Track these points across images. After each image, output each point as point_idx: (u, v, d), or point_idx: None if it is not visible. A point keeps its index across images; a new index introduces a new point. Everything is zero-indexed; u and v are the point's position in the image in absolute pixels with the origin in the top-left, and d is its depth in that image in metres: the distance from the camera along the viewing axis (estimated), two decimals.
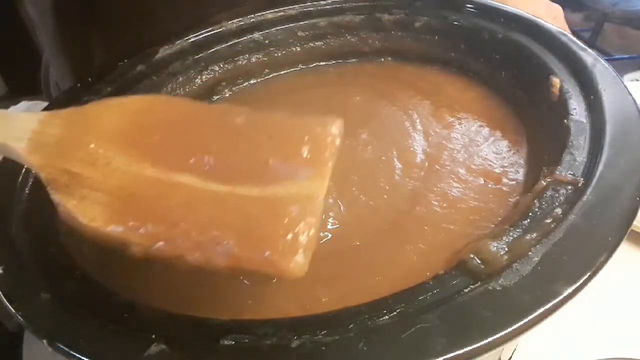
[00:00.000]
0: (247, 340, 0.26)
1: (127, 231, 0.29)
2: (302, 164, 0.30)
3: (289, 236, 0.27)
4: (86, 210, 0.30)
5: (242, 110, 0.33)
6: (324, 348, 0.25)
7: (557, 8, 0.63)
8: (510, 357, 0.45)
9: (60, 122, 0.33)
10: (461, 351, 0.24)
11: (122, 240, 0.29)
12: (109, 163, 0.31)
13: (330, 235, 0.37)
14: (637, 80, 0.84)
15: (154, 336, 0.26)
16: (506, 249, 0.28)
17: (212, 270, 0.28)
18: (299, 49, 0.59)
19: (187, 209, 0.29)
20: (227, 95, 0.57)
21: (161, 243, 0.28)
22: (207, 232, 0.28)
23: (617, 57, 1.83)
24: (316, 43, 0.59)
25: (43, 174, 0.31)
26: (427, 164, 0.43)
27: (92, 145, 0.32)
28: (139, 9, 0.63)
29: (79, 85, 0.51)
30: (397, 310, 0.26)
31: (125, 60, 0.53)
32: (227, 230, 0.28)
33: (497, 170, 0.41)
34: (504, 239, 0.29)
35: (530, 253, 0.28)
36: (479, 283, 0.27)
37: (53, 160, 0.31)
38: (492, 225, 0.36)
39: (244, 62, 0.58)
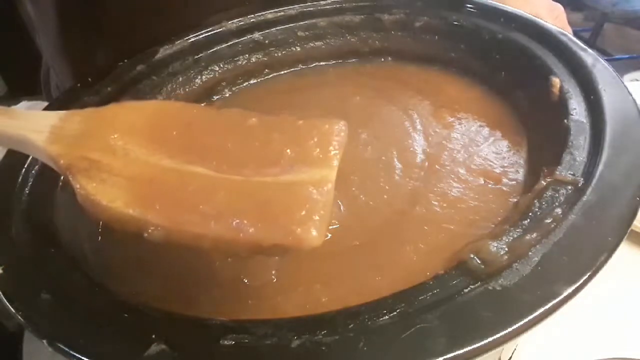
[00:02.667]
0: (247, 340, 0.26)
1: (147, 212, 0.29)
2: (311, 155, 0.31)
3: (303, 212, 0.28)
4: (106, 192, 0.30)
5: (253, 114, 0.34)
6: (324, 348, 0.25)
7: (559, 7, 0.63)
8: (510, 357, 0.45)
9: (80, 119, 0.34)
10: (461, 351, 0.24)
11: (141, 222, 0.29)
12: (127, 154, 0.32)
13: (330, 235, 0.37)
14: (637, 80, 0.84)
15: (154, 336, 0.26)
16: (506, 249, 0.28)
17: (230, 250, 0.28)
18: (299, 49, 0.59)
19: (204, 193, 0.30)
20: (227, 95, 0.57)
21: (180, 225, 0.29)
22: (225, 214, 0.28)
23: (617, 57, 1.83)
24: (316, 43, 0.59)
25: (62, 161, 0.31)
26: (427, 164, 0.43)
27: (111, 138, 0.32)
28: (142, 11, 0.63)
29: (79, 85, 0.51)
30: (397, 310, 0.26)
31: (125, 60, 0.53)
32: (244, 211, 0.29)
33: (497, 170, 0.41)
34: (504, 239, 0.29)
35: (530, 253, 0.28)
36: (479, 283, 0.27)
37: (72, 149, 0.32)
38: (492, 225, 0.36)
39: (244, 62, 0.58)
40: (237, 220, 0.28)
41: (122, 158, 0.32)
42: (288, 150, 0.31)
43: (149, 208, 0.29)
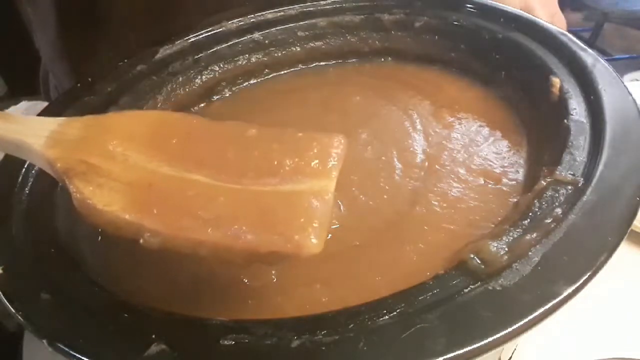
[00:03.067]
0: (247, 340, 0.26)
1: (144, 217, 0.29)
2: (311, 166, 0.31)
3: (302, 219, 0.28)
4: (103, 196, 0.30)
5: (253, 125, 0.34)
6: (324, 348, 0.25)
7: (552, 2, 0.62)
8: (510, 357, 0.45)
9: (80, 125, 0.33)
10: (461, 351, 0.24)
11: (137, 227, 0.29)
12: (126, 159, 0.32)
13: (330, 235, 0.37)
14: (637, 80, 0.84)
15: (154, 336, 0.26)
16: (506, 249, 0.28)
17: (228, 258, 0.28)
18: (299, 49, 0.59)
19: (203, 199, 0.30)
20: (227, 95, 0.57)
21: (177, 231, 0.28)
22: (223, 221, 0.28)
23: (617, 57, 1.84)
24: (316, 43, 0.59)
25: (59, 164, 0.31)
26: (427, 164, 0.43)
27: (110, 144, 0.32)
28: (142, 11, 0.63)
29: (79, 85, 0.51)
30: (397, 310, 0.26)
31: (125, 60, 0.53)
32: (242, 218, 0.29)
33: (497, 170, 0.41)
34: (504, 239, 0.29)
35: (530, 253, 0.28)
36: (479, 283, 0.27)
37: (70, 153, 0.32)
38: (492, 225, 0.36)
39: (244, 62, 0.58)
40: (235, 227, 0.28)
41: (121, 164, 0.31)
42: (287, 161, 0.31)
43: (145, 213, 0.29)
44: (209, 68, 0.56)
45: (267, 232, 0.28)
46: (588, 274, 0.26)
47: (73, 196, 0.30)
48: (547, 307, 0.25)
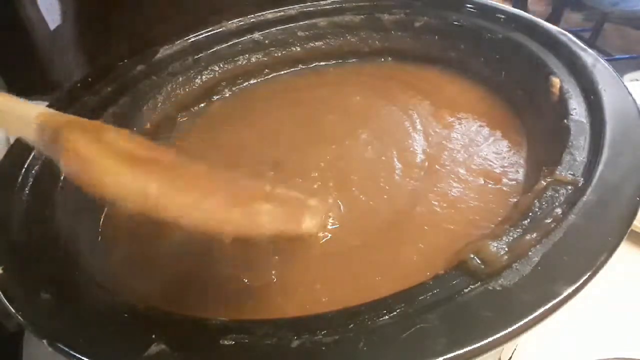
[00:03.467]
0: (247, 340, 0.26)
1: (139, 172, 0.29)
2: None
3: (299, 208, 0.31)
4: (100, 153, 0.29)
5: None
6: (324, 348, 0.25)
7: None
8: (510, 357, 0.45)
9: (75, 117, 0.34)
10: (461, 351, 0.24)
11: (124, 185, 0.28)
12: (125, 143, 0.32)
13: (330, 235, 0.37)
14: (637, 80, 0.84)
15: (154, 336, 0.26)
16: (506, 249, 0.28)
17: (212, 232, 0.29)
18: (299, 49, 0.59)
19: (205, 177, 0.31)
20: (227, 95, 0.57)
21: (176, 192, 0.29)
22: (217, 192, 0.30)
23: (617, 57, 1.83)
24: (316, 43, 0.59)
25: (59, 118, 0.31)
26: (427, 164, 0.43)
27: (107, 134, 0.32)
28: (142, 11, 0.63)
29: (79, 85, 0.51)
30: (397, 310, 0.26)
31: (125, 60, 0.53)
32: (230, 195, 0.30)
33: (497, 170, 0.41)
34: (504, 239, 0.29)
35: (530, 253, 0.28)
36: (479, 283, 0.27)
37: (68, 117, 0.32)
38: (492, 225, 0.36)
39: (244, 62, 0.58)
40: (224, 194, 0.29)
41: (120, 141, 0.32)
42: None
43: (142, 169, 0.29)
44: (209, 68, 0.56)
45: (263, 202, 0.30)
46: (588, 274, 0.26)
47: (66, 147, 0.29)
48: (547, 307, 0.25)
